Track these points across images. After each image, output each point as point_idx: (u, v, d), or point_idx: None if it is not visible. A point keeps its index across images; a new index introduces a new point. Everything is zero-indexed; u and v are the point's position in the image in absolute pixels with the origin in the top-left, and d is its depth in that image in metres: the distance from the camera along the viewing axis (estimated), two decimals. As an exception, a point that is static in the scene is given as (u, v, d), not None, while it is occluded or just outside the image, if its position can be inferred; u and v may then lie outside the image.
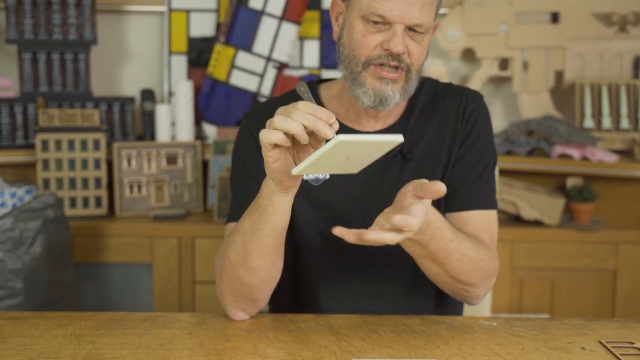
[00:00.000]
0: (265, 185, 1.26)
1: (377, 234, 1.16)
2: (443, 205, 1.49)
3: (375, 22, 1.36)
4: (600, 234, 2.57)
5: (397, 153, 1.47)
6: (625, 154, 2.78)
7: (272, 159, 1.18)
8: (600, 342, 1.30)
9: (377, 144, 1.11)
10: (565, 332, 1.35)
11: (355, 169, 1.18)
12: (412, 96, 1.47)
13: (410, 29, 1.36)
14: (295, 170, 1.14)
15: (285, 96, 1.57)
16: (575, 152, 2.64)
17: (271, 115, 1.41)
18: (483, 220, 1.49)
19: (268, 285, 1.38)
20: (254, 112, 1.54)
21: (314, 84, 1.56)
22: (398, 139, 1.10)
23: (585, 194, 2.60)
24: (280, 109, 1.18)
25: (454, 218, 1.49)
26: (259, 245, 1.31)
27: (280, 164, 1.19)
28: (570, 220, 2.64)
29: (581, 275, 2.58)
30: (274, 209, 1.26)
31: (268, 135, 1.15)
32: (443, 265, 1.35)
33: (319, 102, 1.53)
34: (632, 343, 1.30)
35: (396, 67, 1.38)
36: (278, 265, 1.36)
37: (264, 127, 1.43)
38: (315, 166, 1.14)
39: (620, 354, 1.24)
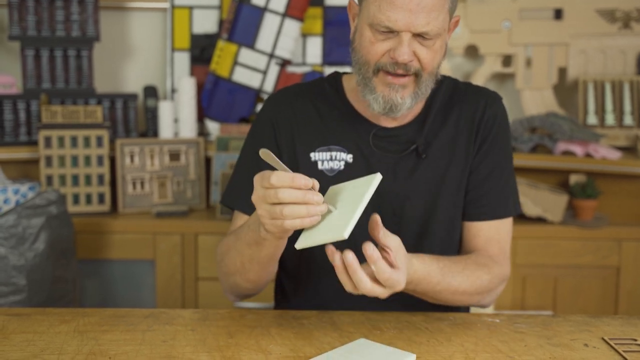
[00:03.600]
0: (262, 233, 1.28)
1: (364, 285, 1.18)
2: (460, 213, 1.52)
3: (383, 30, 1.35)
4: (603, 231, 2.56)
5: (412, 151, 1.47)
6: (629, 150, 2.77)
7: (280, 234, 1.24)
8: (603, 339, 1.30)
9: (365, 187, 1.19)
10: (568, 329, 1.35)
11: (344, 232, 1.16)
12: (429, 95, 1.47)
13: (419, 34, 1.35)
14: (299, 245, 1.19)
15: (312, 84, 1.58)
16: (578, 149, 2.64)
17: (296, 104, 1.52)
18: (493, 231, 1.52)
19: (263, 286, 1.46)
20: (277, 101, 1.55)
21: (339, 75, 1.57)
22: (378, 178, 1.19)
23: (589, 190, 2.59)
24: (259, 182, 1.19)
25: (466, 227, 1.53)
26: (257, 267, 1.38)
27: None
28: (573, 217, 2.64)
29: (584, 272, 2.58)
30: (271, 244, 1.31)
31: (284, 229, 1.19)
32: (434, 299, 1.40)
33: (342, 94, 1.53)
34: (635, 340, 1.30)
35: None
36: (273, 272, 1.44)
37: (285, 116, 1.52)
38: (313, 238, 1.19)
39: (623, 351, 1.24)
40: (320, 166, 1.49)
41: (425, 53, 1.36)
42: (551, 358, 1.22)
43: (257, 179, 1.20)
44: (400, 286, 1.20)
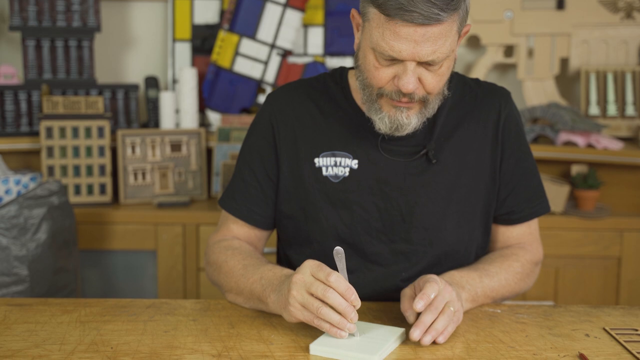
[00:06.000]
0: (272, 305, 1.30)
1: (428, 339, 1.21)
2: (472, 218, 1.49)
3: (386, 58, 1.29)
4: (605, 222, 2.56)
5: (422, 155, 1.44)
6: (631, 141, 2.77)
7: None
8: (604, 329, 1.31)
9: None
10: (570, 319, 1.35)
11: (374, 356, 1.17)
12: None
13: (425, 62, 1.29)
14: (313, 351, 1.19)
15: (315, 80, 1.54)
16: (580, 140, 2.64)
17: (298, 104, 1.48)
18: (526, 229, 1.54)
19: None
20: (278, 99, 1.52)
21: (345, 72, 1.53)
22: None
23: (590, 181, 2.59)
24: (312, 271, 1.21)
25: (501, 231, 1.55)
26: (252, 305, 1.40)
27: None
28: (575, 207, 2.64)
29: (585, 262, 2.58)
30: (273, 310, 1.32)
31: (310, 323, 1.21)
32: (493, 301, 1.46)
33: (348, 93, 1.49)
34: (636, 330, 1.30)
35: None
36: None
37: (286, 117, 1.49)
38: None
39: (624, 341, 1.24)
40: (324, 172, 1.46)
41: (431, 78, 1.31)
42: (552, 348, 1.22)
43: (313, 266, 1.21)
44: (459, 318, 1.26)
